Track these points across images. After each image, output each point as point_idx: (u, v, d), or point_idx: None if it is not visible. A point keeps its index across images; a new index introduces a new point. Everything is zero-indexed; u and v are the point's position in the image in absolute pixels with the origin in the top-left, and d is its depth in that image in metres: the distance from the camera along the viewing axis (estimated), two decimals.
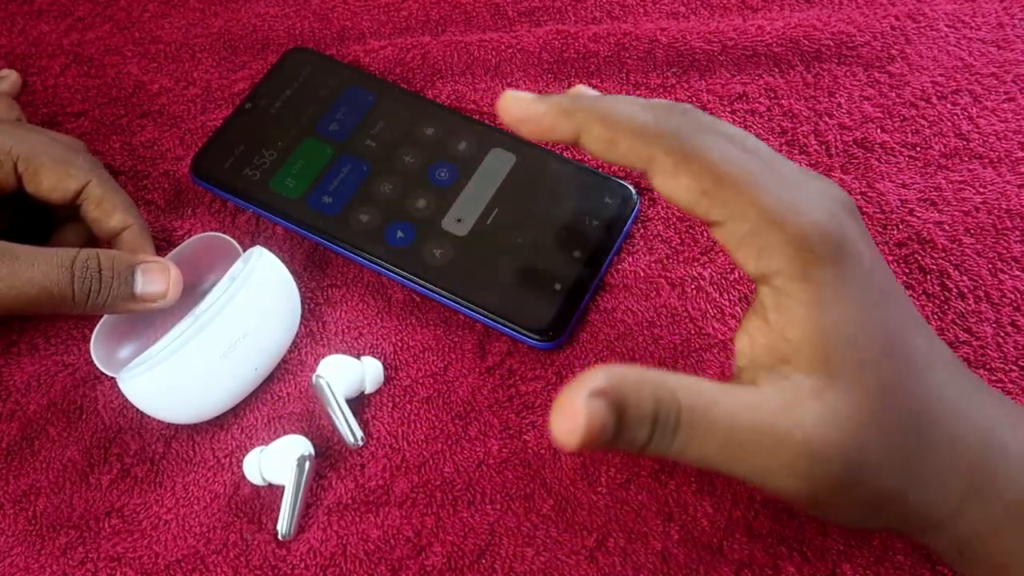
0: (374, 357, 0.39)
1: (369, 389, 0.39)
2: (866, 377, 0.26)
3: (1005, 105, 0.45)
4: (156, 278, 0.37)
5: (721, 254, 0.42)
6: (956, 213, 0.42)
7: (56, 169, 0.39)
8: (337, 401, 0.37)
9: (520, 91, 0.30)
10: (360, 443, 0.37)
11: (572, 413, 0.25)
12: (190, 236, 0.42)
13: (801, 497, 0.27)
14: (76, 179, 0.39)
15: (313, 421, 0.39)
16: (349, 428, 0.37)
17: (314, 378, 0.38)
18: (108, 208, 0.39)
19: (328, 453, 0.38)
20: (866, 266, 0.27)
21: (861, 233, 0.28)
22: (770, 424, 0.26)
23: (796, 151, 0.44)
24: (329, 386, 0.37)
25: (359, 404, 0.39)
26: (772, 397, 0.27)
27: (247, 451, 0.38)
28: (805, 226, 0.26)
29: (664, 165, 0.28)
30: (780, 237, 0.26)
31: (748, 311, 0.29)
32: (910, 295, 0.40)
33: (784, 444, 0.26)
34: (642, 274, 0.41)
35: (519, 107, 0.30)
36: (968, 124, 0.45)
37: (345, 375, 0.38)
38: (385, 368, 0.40)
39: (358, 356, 0.39)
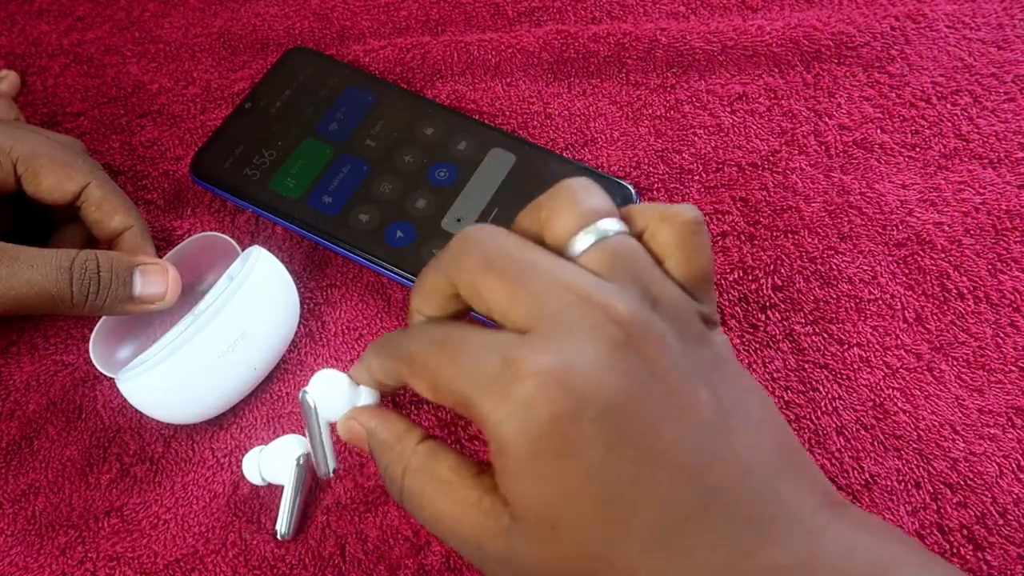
0: (369, 391, 0.34)
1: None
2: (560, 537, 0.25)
3: (1005, 105, 0.45)
4: (155, 280, 0.37)
5: (721, 254, 0.42)
6: (956, 214, 0.42)
7: (56, 170, 0.38)
8: (319, 426, 0.33)
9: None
10: (331, 475, 0.34)
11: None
12: (190, 236, 0.42)
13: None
14: (75, 181, 0.39)
15: None
16: (324, 457, 0.34)
17: (302, 394, 0.33)
18: (108, 210, 0.39)
19: None
20: (586, 434, 0.25)
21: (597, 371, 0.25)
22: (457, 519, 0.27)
23: (796, 151, 0.44)
24: (315, 408, 0.33)
25: None
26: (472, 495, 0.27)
27: (246, 451, 0.38)
28: (494, 423, 0.25)
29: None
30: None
31: None
32: (910, 296, 0.40)
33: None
34: None
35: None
36: (968, 124, 0.45)
37: (336, 395, 0.33)
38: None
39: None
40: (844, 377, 0.39)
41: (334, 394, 0.32)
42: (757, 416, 0.27)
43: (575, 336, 0.25)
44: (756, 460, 0.26)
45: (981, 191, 0.43)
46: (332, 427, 0.32)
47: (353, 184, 0.43)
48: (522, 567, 0.26)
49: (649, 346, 0.25)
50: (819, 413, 0.38)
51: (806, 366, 0.39)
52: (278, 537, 0.36)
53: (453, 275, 0.28)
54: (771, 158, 0.44)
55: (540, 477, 0.25)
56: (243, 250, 0.40)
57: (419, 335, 0.28)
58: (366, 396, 0.33)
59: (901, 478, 0.36)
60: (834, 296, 0.40)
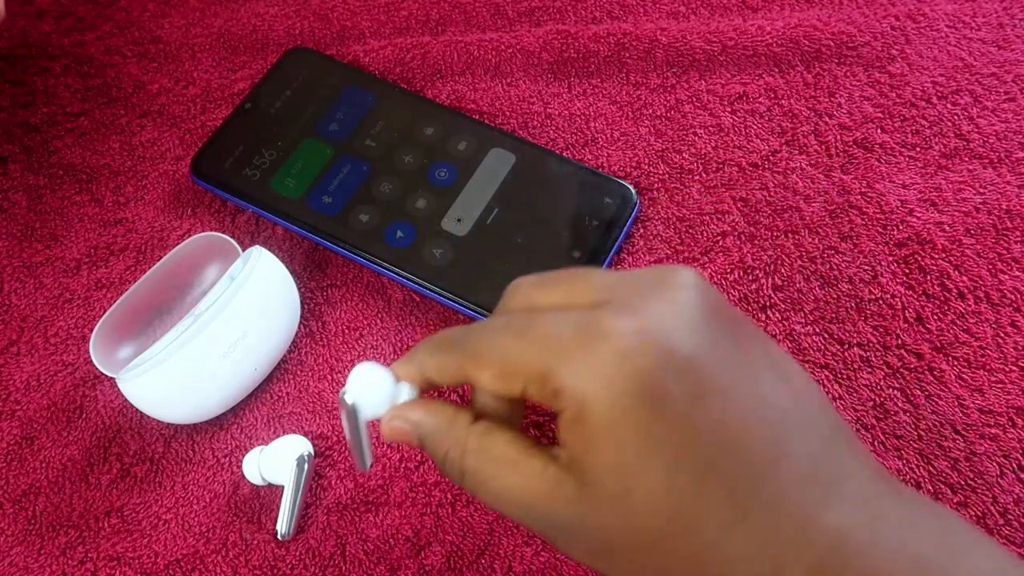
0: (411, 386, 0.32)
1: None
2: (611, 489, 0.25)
3: (1005, 105, 0.45)
4: None
5: (721, 254, 0.42)
6: (956, 213, 0.42)
7: None
8: (360, 426, 0.31)
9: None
10: (367, 468, 0.34)
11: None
12: (190, 236, 0.42)
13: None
14: None
15: (313, 421, 0.39)
16: (363, 453, 0.32)
17: (341, 394, 0.30)
18: None
19: (327, 453, 0.38)
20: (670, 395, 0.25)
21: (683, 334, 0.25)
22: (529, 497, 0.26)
23: (796, 151, 0.44)
24: (356, 409, 0.31)
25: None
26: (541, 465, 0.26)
27: (247, 451, 0.38)
28: (572, 392, 0.25)
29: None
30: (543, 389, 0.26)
31: None
32: (910, 296, 0.40)
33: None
34: None
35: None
36: (968, 124, 0.45)
37: (377, 393, 0.31)
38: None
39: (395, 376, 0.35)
40: (844, 377, 0.39)
41: (374, 392, 0.30)
42: (805, 387, 0.27)
43: (652, 300, 0.25)
44: (817, 427, 0.26)
45: (981, 191, 0.43)
46: (372, 424, 0.31)
47: (353, 184, 0.43)
48: (592, 535, 0.26)
49: (724, 308, 0.26)
50: None
51: (806, 366, 0.39)
52: (278, 537, 0.36)
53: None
54: (771, 158, 0.44)
55: (619, 438, 0.24)
56: (243, 250, 0.40)
57: (484, 326, 0.27)
58: (407, 392, 0.31)
59: (902, 478, 0.36)
60: (834, 296, 0.40)
